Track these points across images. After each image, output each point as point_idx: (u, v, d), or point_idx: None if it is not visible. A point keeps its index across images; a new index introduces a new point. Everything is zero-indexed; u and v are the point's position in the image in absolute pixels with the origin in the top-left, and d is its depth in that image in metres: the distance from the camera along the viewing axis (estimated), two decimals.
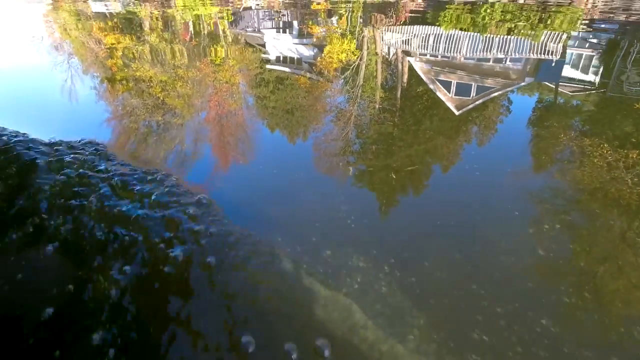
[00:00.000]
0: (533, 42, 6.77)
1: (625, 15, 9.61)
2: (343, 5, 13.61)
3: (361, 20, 10.28)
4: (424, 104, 4.48)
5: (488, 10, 10.87)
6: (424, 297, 1.73)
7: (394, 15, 10.97)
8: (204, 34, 9.02)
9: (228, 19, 11.03)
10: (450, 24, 9.30)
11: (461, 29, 8.25)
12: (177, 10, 13.01)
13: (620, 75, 5.07)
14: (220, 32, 9.24)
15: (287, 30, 9.44)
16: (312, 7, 13.78)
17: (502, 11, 10.80)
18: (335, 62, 6.42)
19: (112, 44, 7.58)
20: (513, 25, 8.78)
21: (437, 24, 9.26)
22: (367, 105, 4.37)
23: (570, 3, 12.91)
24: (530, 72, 5.45)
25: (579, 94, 4.51)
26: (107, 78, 5.46)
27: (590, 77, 5.22)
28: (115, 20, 10.95)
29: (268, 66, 6.37)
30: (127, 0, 15.83)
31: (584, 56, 5.94)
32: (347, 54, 6.68)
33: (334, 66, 6.20)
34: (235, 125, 3.98)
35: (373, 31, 8.74)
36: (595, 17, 9.87)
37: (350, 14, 11.80)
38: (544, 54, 6.17)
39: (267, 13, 12.48)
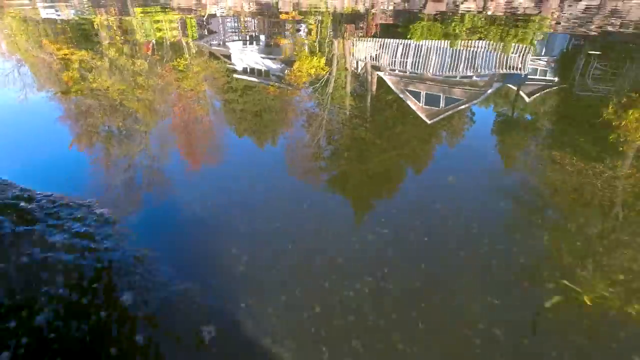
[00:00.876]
0: (499, 58, 7.05)
1: (584, 29, 10.18)
2: (312, 16, 13.70)
3: (331, 32, 10.33)
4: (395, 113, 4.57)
5: (458, 24, 11.21)
6: None
7: (365, 27, 11.10)
8: (166, 46, 8.79)
9: (193, 37, 10.81)
10: (422, 36, 9.50)
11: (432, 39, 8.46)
12: (137, 18, 12.66)
13: (583, 75, 5.85)
14: (184, 45, 9.03)
15: (254, 43, 9.35)
16: (280, 16, 13.80)
17: (471, 25, 11.16)
18: (305, 75, 6.38)
19: (66, 55, 7.22)
20: (483, 35, 9.08)
21: (409, 36, 9.43)
22: (336, 113, 4.38)
23: (539, 13, 13.55)
24: (498, 79, 5.93)
25: (538, 94, 5.17)
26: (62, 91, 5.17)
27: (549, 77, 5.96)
28: (68, 29, 10.50)
29: (236, 75, 6.31)
30: (80, 7, 15.26)
31: (539, 70, 6.29)
32: (317, 69, 6.65)
33: (303, 79, 6.16)
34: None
35: (342, 44, 8.80)
36: (560, 27, 10.40)
37: (319, 24, 11.87)
38: (509, 69, 6.39)
39: (233, 24, 12.36)
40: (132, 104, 4.71)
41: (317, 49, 8.30)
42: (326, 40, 9.23)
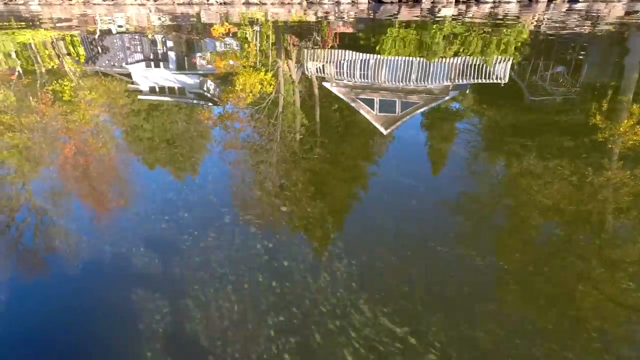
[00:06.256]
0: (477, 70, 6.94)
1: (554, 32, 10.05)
2: (248, 29, 12.30)
3: (274, 46, 9.01)
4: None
5: (438, 32, 10.40)
6: None
7: (320, 39, 9.90)
8: (40, 74, 6.82)
9: (80, 58, 8.76)
10: (392, 48, 8.39)
11: (408, 55, 7.56)
12: None
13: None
14: (67, 70, 7.06)
15: (162, 63, 7.80)
16: (212, 31, 12.19)
17: (451, 32, 10.42)
18: (248, 94, 5.36)
19: None
20: (461, 49, 8.30)
21: (377, 49, 8.29)
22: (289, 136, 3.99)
23: (518, 17, 13.52)
24: (453, 88, 5.92)
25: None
26: None
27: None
28: None
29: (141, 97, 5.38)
30: None
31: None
32: (264, 84, 5.84)
33: (247, 99, 5.13)
34: None
35: (286, 58, 7.66)
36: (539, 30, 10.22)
37: (257, 37, 10.47)
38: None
39: (135, 41, 10.50)
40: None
41: (259, 62, 7.18)
42: (270, 54, 7.87)
